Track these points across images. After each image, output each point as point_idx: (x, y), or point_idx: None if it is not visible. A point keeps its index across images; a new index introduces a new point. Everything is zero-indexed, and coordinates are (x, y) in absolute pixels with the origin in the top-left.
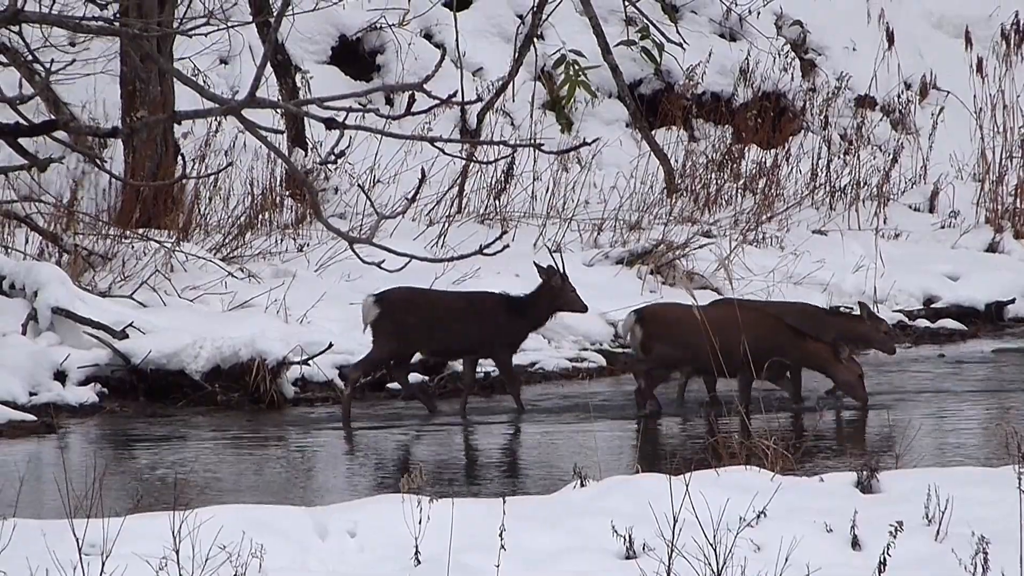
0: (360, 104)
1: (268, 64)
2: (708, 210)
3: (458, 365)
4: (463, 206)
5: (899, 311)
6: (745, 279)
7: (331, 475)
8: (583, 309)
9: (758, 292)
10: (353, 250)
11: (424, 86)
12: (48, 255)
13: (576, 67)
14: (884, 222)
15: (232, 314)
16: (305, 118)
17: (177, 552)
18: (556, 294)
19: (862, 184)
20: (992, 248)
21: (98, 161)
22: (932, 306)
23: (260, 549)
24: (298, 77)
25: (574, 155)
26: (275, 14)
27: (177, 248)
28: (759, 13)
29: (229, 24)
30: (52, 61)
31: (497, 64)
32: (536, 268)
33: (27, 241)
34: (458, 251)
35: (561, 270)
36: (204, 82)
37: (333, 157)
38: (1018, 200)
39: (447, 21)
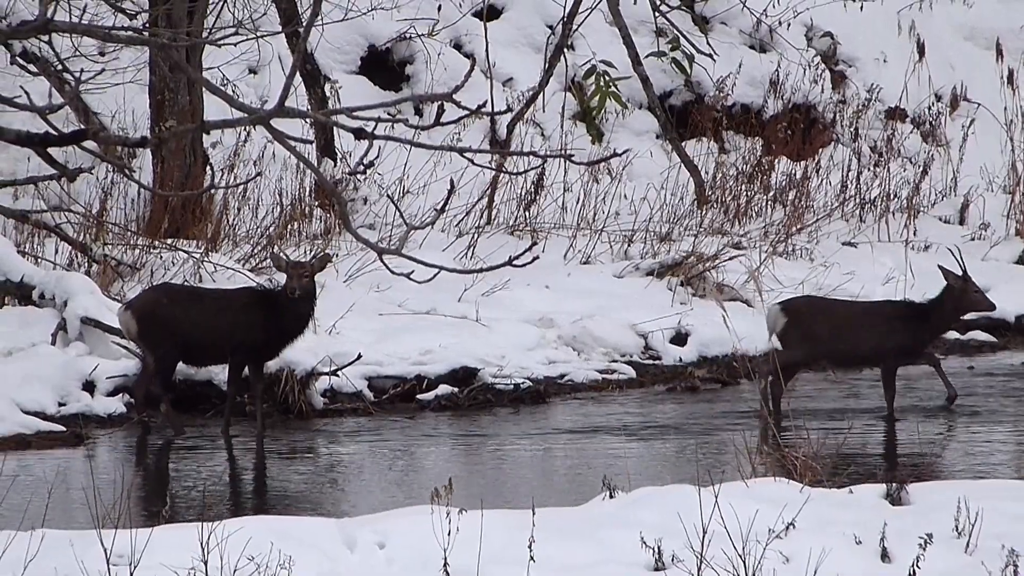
0: (389, 114)
1: (297, 74)
2: (738, 222)
3: (488, 377)
4: (493, 217)
5: None
6: (775, 291)
7: (360, 486)
8: (990, 308)
9: None
10: (382, 261)
11: (454, 96)
12: (77, 265)
13: (606, 78)
14: (914, 234)
15: None
16: (334, 128)
17: (205, 563)
18: (959, 296)
19: (892, 196)
20: (1023, 260)
21: (127, 171)
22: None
23: (288, 560)
24: (327, 87)
25: (604, 166)
26: (304, 24)
27: (206, 259)
28: (789, 25)
29: (258, 34)
30: (82, 71)
31: (527, 74)
32: (940, 270)
33: (56, 251)
34: (487, 262)
35: (962, 269)
36: (233, 92)
37: (362, 167)
38: None
39: (477, 31)
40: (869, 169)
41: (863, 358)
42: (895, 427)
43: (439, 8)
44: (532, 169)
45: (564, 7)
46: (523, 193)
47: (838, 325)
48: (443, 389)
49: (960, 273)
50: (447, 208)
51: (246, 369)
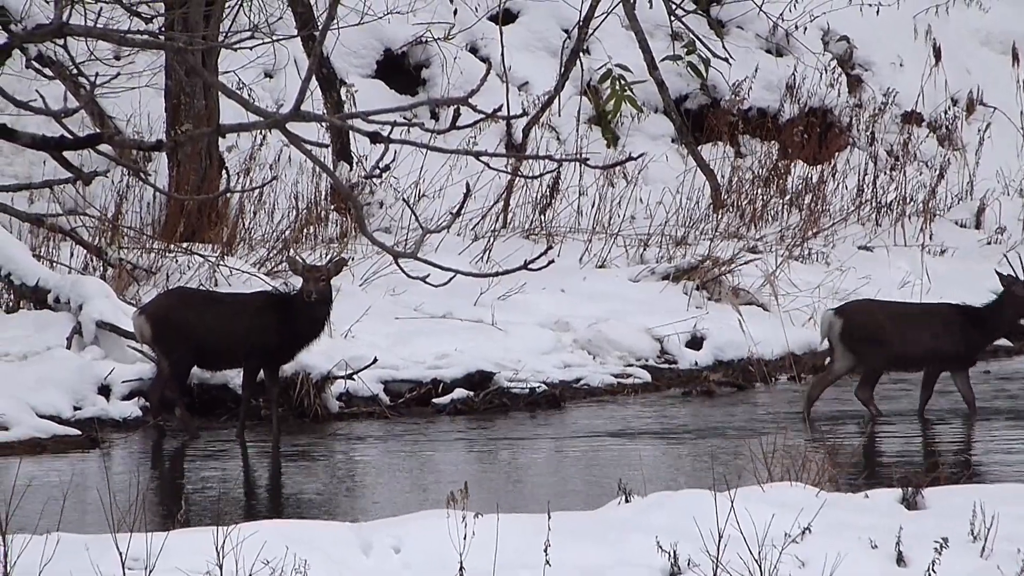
0: (405, 118)
1: (313, 78)
2: (754, 226)
3: (504, 381)
4: (508, 221)
5: None
6: (791, 295)
7: (375, 490)
8: None
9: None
10: (398, 264)
11: (469, 100)
12: (93, 269)
13: (622, 82)
14: (930, 238)
15: None
16: (350, 132)
17: (220, 567)
18: (1019, 302)
19: (908, 200)
20: None
21: (142, 175)
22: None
23: (304, 565)
24: (343, 91)
25: (620, 170)
26: (320, 28)
27: (221, 262)
28: (806, 29)
29: (274, 38)
30: (97, 74)
31: (543, 78)
32: (997, 276)
33: (72, 255)
34: (503, 266)
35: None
36: (249, 96)
37: (378, 171)
38: None
39: (493, 35)
40: (885, 173)
41: (916, 359)
42: (916, 430)
43: (455, 12)
44: (547, 173)
45: (580, 11)
46: (539, 197)
47: (894, 327)
48: (459, 393)
49: (1021, 278)
50: (463, 212)
51: (261, 373)
